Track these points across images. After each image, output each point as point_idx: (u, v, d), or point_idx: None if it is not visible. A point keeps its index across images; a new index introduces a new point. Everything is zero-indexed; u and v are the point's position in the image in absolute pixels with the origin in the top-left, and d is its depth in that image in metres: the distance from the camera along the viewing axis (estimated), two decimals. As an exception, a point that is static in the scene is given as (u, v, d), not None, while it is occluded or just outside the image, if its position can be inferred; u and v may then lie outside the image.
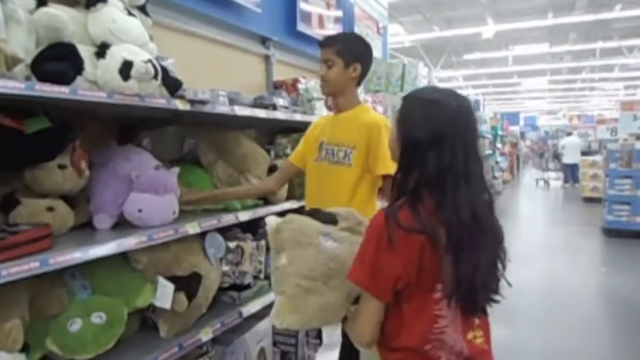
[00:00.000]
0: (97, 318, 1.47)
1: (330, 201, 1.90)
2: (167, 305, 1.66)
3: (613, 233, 7.40)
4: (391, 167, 1.94)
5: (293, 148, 2.76)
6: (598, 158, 10.95)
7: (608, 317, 4.28)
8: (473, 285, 1.14)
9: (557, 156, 16.31)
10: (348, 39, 2.09)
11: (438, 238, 1.12)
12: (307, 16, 3.48)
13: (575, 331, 3.63)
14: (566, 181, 14.73)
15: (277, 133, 2.97)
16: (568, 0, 9.83)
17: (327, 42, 2.02)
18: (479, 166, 1.21)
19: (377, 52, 4.82)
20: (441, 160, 1.15)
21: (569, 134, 15.33)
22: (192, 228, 1.74)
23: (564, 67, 16.14)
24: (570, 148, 14.14)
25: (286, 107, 2.47)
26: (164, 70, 1.65)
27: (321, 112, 2.79)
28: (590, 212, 9.47)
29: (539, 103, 26.40)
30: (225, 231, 2.09)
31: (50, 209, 1.47)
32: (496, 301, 1.21)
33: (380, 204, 2.08)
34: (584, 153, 13.51)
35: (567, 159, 14.32)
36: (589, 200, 10.80)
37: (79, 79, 1.40)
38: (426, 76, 4.61)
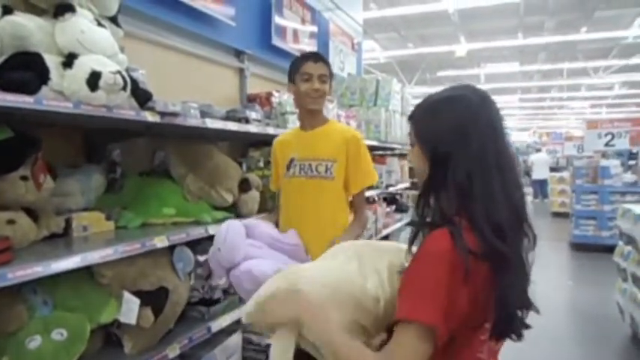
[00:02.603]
0: (58, 335, 1.43)
1: (314, 215, 1.99)
2: (132, 321, 1.62)
3: (580, 247, 7.61)
4: (375, 177, 2.12)
5: (265, 162, 2.76)
6: (566, 174, 11.28)
7: (574, 330, 4.37)
8: (516, 312, 1.00)
9: (527, 172, 16.74)
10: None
11: (499, 262, 0.96)
12: (282, 31, 3.52)
13: (540, 343, 3.69)
14: (535, 196, 15.10)
15: (250, 146, 2.96)
16: (537, 21, 10.19)
17: (323, 58, 2.11)
18: (511, 162, 1.04)
19: (351, 68, 4.89)
20: (468, 162, 1.00)
21: (539, 150, 15.76)
22: (160, 241, 1.71)
23: (534, 85, 16.65)
24: (538, 165, 14.53)
25: (259, 120, 2.47)
26: (134, 81, 1.64)
27: (294, 126, 2.80)
28: (558, 227, 9.71)
29: (510, 121, 27.10)
30: (194, 244, 2.06)
31: (11, 222, 1.42)
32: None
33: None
34: (553, 169, 13.91)
35: (536, 175, 14.71)
36: (557, 215, 11.09)
37: (44, 89, 1.37)
38: (399, 92, 4.69)
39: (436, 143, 1.04)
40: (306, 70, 2.03)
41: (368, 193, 3.80)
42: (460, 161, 1.00)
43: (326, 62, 2.10)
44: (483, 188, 0.99)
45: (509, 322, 0.99)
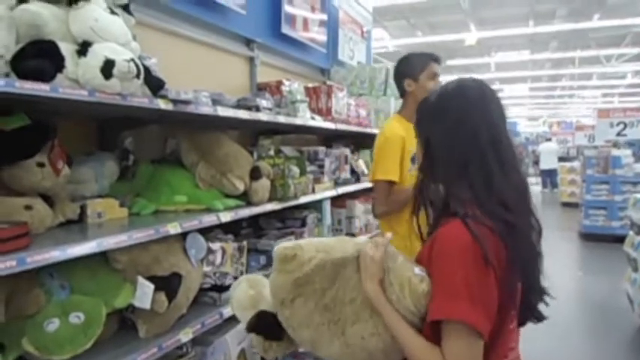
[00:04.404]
0: (75, 318, 1.46)
1: None
2: (147, 305, 1.65)
3: (589, 237, 7.57)
4: None
5: (276, 151, 2.77)
6: (576, 164, 11.19)
7: (583, 319, 4.37)
8: (535, 295, 1.05)
9: (537, 162, 16.61)
10: None
11: (508, 232, 0.98)
12: (292, 19, 3.50)
13: (550, 333, 3.70)
14: (544, 186, 14.98)
15: (260, 135, 2.97)
16: (549, 9, 10.04)
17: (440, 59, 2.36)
18: (511, 150, 1.08)
19: (361, 56, 4.86)
20: (464, 146, 1.05)
21: (548, 140, 15.61)
22: (173, 228, 1.73)
23: (545, 74, 16.44)
24: (546, 154, 14.39)
25: (269, 109, 2.47)
26: (146, 69, 1.65)
27: (304, 115, 2.80)
28: (568, 217, 9.66)
29: (520, 110, 26.83)
30: (206, 232, 2.08)
31: (28, 208, 1.45)
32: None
33: None
34: (563, 159, 13.79)
35: (543, 165, 14.58)
36: (567, 205, 11.03)
37: (59, 77, 1.39)
38: (409, 80, 4.66)
39: (431, 133, 1.12)
40: (434, 70, 2.28)
41: (377, 182, 3.83)
42: (454, 147, 1.05)
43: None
44: (482, 168, 1.03)
45: (528, 297, 1.03)
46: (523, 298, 1.03)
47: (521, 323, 1.09)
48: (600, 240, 7.38)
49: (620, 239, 4.71)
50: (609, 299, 4.70)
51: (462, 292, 0.92)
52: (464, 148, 1.04)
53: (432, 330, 0.98)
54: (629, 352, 3.65)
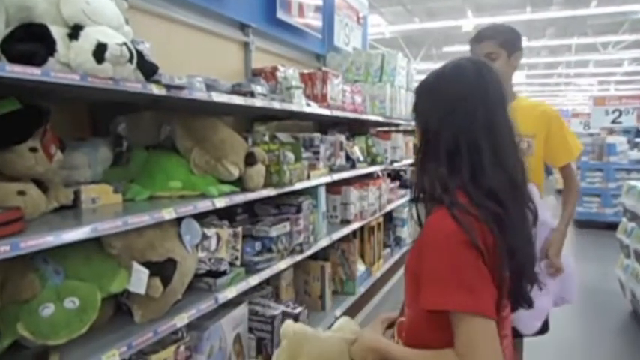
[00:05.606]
0: (70, 303, 1.46)
1: None
2: (142, 290, 1.65)
3: (583, 224, 7.62)
4: (579, 146, 2.20)
5: (271, 137, 2.77)
6: (571, 152, 11.20)
7: (575, 304, 4.42)
8: (527, 282, 1.06)
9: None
10: (505, 30, 2.11)
11: (495, 222, 0.97)
12: (287, 4, 3.47)
13: (543, 318, 3.74)
14: (539, 173, 15.02)
15: (255, 121, 2.96)
16: (546, -5, 9.99)
17: (486, 36, 2.05)
18: (507, 131, 1.05)
19: (357, 43, 4.83)
20: (456, 131, 1.02)
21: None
22: (167, 214, 1.73)
23: (541, 61, 16.39)
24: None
25: (264, 95, 2.46)
26: (139, 54, 1.63)
27: (299, 101, 2.79)
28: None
29: (516, 97, 26.78)
30: (201, 217, 2.09)
31: (21, 193, 1.44)
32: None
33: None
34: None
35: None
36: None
37: (51, 61, 1.37)
38: (405, 67, 4.64)
39: (427, 117, 1.09)
40: (477, 52, 2.05)
41: (371, 170, 3.82)
42: (448, 132, 1.02)
43: (493, 37, 2.05)
44: (470, 155, 1.00)
45: (519, 284, 1.03)
46: (514, 285, 1.02)
47: (512, 309, 1.09)
48: (594, 227, 7.43)
49: (613, 226, 4.75)
50: (602, 285, 4.75)
51: (449, 281, 0.91)
52: (455, 134, 1.01)
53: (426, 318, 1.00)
54: (620, 336, 3.71)
